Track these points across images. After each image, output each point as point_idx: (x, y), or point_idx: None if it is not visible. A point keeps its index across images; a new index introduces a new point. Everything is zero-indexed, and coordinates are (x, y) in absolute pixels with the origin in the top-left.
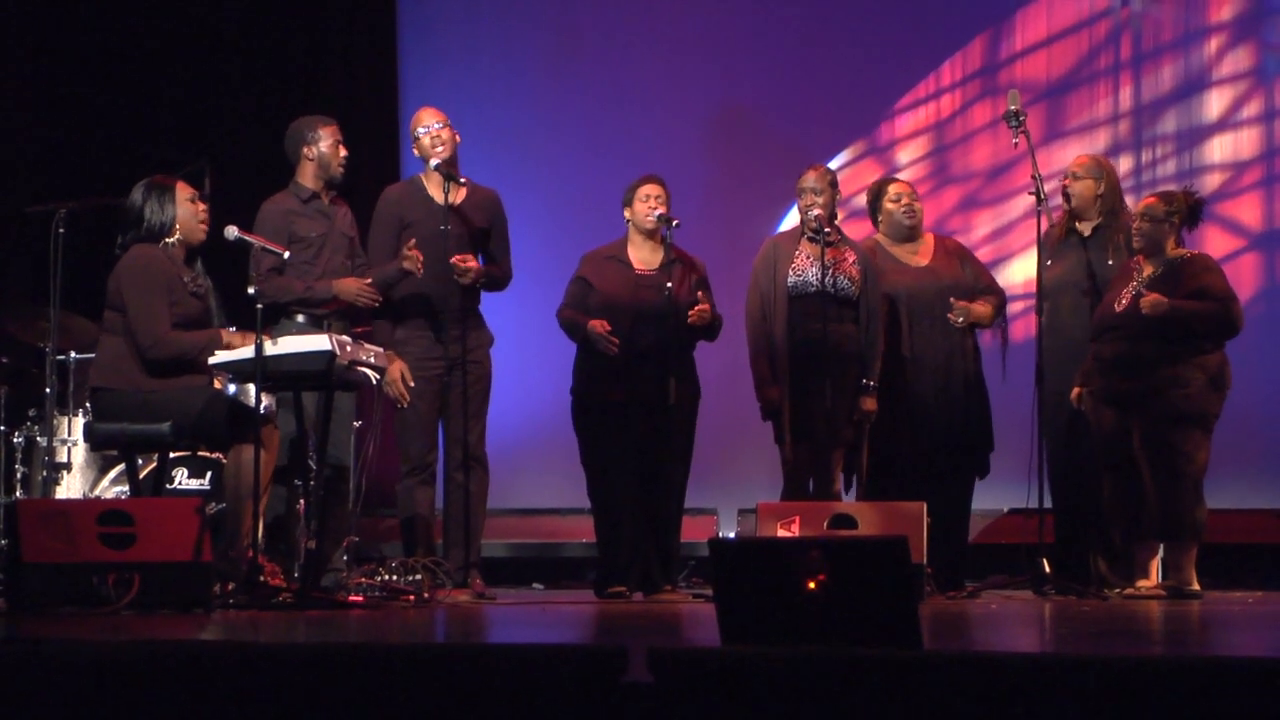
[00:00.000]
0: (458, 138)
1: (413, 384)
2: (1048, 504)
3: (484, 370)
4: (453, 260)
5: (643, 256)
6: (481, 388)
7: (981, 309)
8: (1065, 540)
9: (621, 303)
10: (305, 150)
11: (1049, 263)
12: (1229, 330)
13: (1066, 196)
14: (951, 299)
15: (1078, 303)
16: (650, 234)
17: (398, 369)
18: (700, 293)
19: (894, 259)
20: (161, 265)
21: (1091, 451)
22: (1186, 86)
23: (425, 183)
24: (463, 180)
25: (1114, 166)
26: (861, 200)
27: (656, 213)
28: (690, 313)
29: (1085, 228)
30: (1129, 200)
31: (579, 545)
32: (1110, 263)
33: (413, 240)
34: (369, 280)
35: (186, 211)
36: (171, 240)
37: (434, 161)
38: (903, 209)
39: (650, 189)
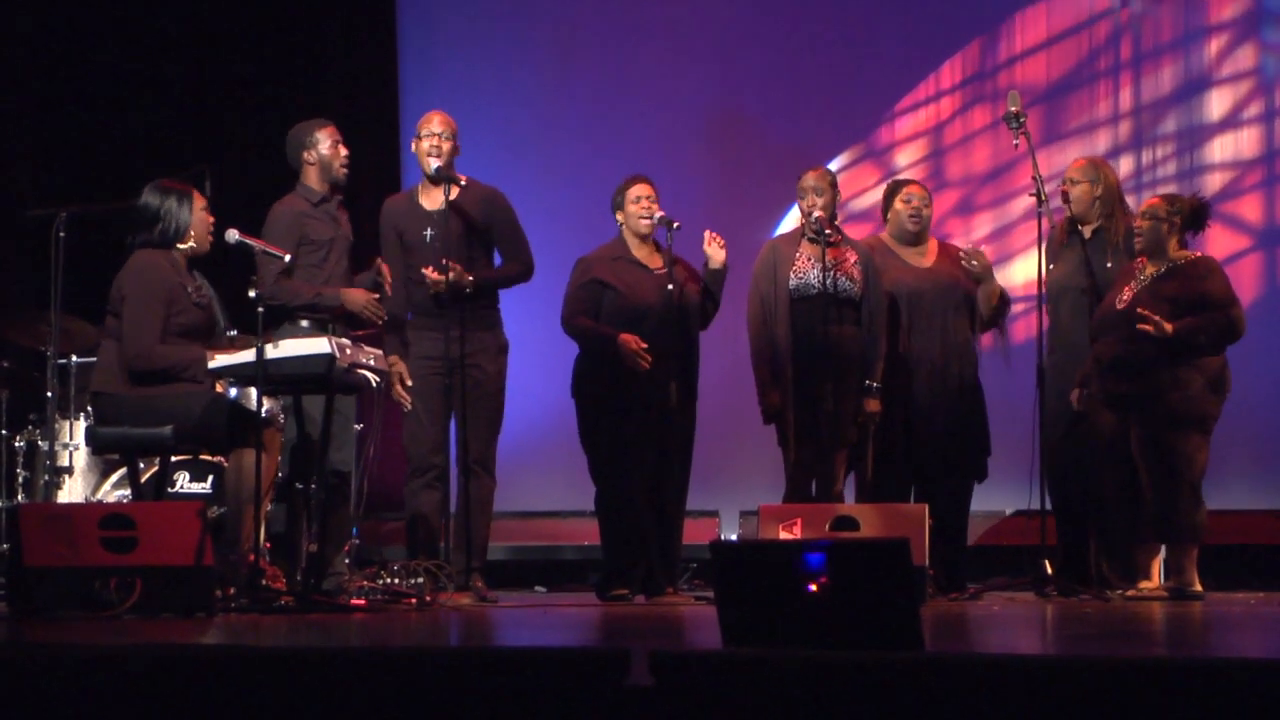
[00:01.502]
0: (459, 151)
1: (410, 384)
2: (1049, 506)
3: (487, 374)
4: (424, 270)
5: (643, 256)
6: (484, 392)
7: (994, 285)
8: (1067, 542)
9: (645, 303)
10: (305, 155)
11: (1050, 266)
12: (1232, 336)
13: (1066, 201)
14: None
15: (1078, 303)
16: (645, 237)
17: (397, 372)
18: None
19: (898, 258)
20: (164, 274)
21: (1092, 453)
22: (1187, 87)
23: (420, 191)
24: (464, 181)
25: (1112, 168)
26: (859, 203)
27: (656, 215)
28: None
29: (1086, 230)
30: (1130, 201)
31: (580, 548)
32: (1109, 265)
33: (381, 264)
34: (376, 296)
35: (200, 220)
36: (182, 247)
37: (432, 166)
38: (910, 212)
39: (639, 189)
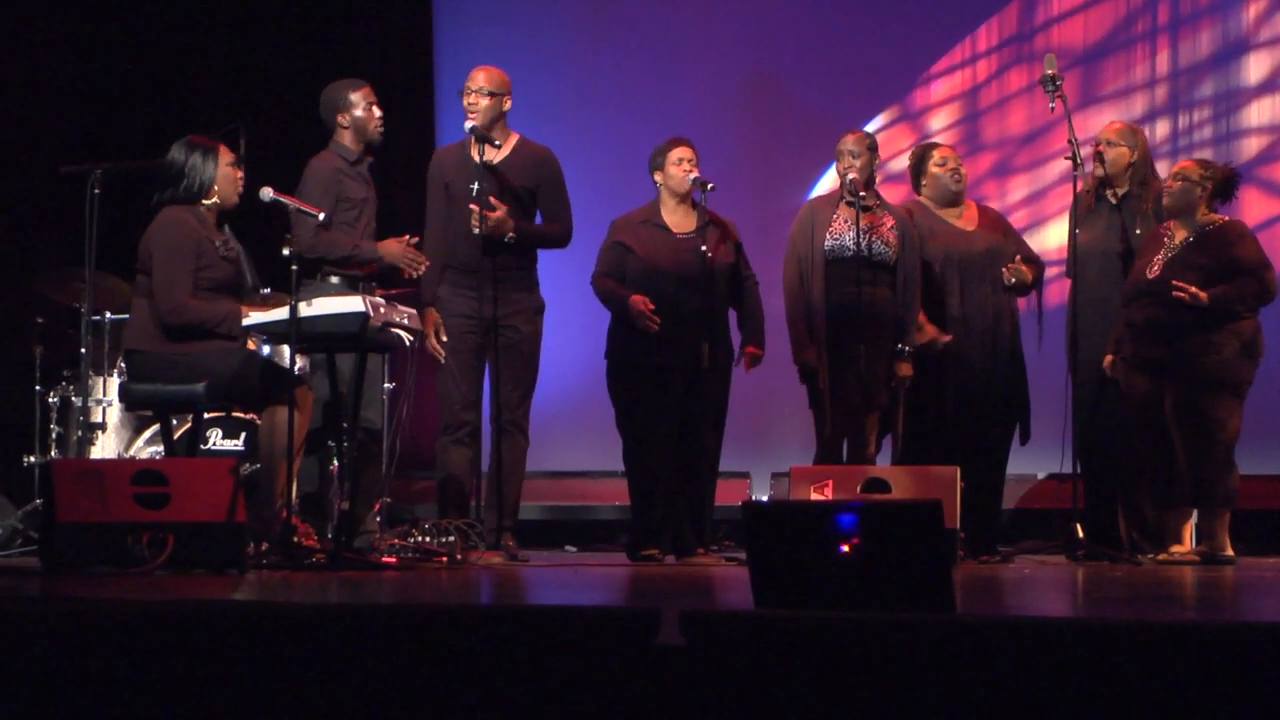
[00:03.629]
0: (506, 105)
1: (445, 339)
2: (1080, 470)
3: (523, 335)
4: (469, 205)
5: (676, 220)
6: (519, 352)
7: (1029, 271)
8: (1098, 506)
9: (663, 267)
10: (340, 117)
11: (1077, 230)
12: (1265, 299)
13: (1100, 161)
14: (1007, 267)
15: (1108, 267)
16: (683, 197)
17: (431, 325)
18: (750, 347)
19: (942, 221)
20: (191, 229)
21: (1124, 418)
22: (1225, 51)
23: (470, 143)
24: (499, 144)
25: (1146, 135)
26: (895, 165)
27: (691, 176)
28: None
29: (1115, 194)
30: (1164, 166)
31: (612, 508)
32: (1139, 231)
33: (407, 238)
34: (415, 241)
35: (226, 175)
36: (208, 203)
37: (468, 124)
38: (949, 172)
39: (682, 151)
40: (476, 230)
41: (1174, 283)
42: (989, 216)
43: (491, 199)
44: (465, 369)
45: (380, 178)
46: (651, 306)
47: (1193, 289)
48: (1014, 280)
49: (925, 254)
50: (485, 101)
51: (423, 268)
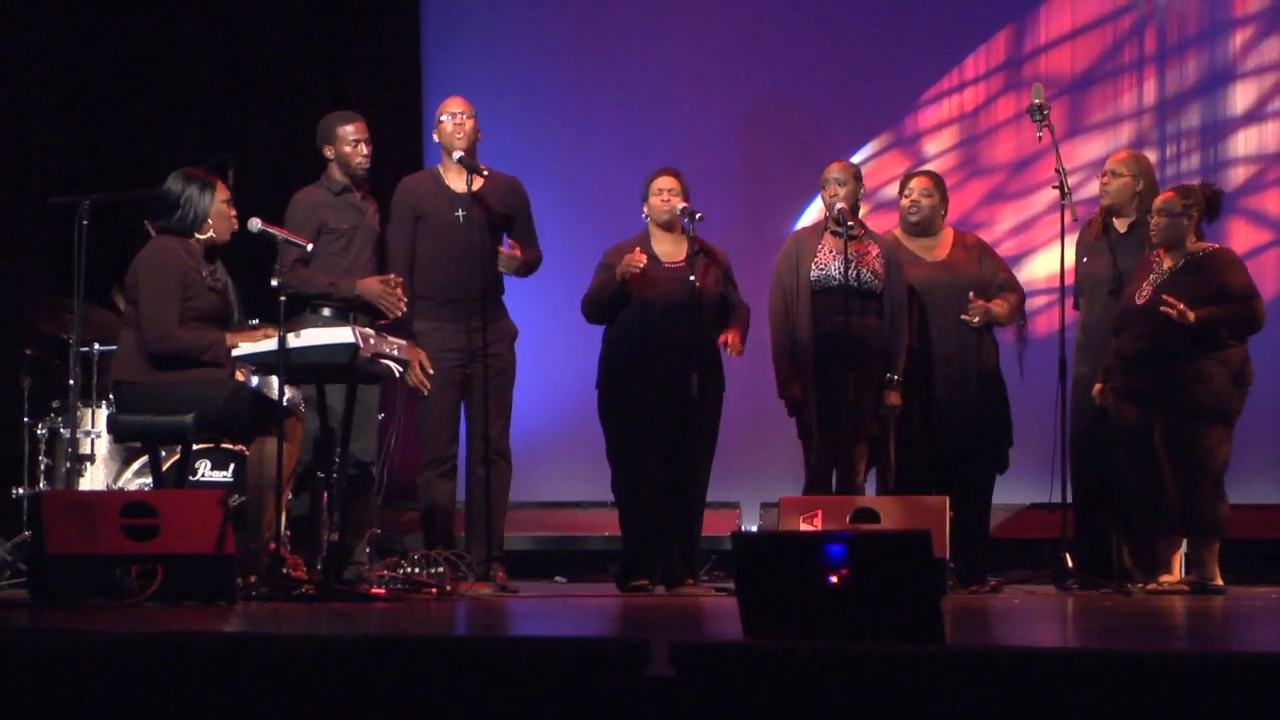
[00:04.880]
0: (479, 135)
1: (431, 372)
2: (1070, 498)
3: (505, 363)
4: (500, 249)
5: (666, 250)
6: (503, 381)
7: (999, 308)
8: (1088, 535)
9: (650, 294)
10: (326, 149)
11: (1084, 259)
12: (1252, 327)
13: (1105, 193)
14: (971, 295)
15: (1110, 301)
16: (668, 227)
17: (417, 358)
18: (731, 332)
19: (910, 253)
20: (178, 259)
21: (1114, 446)
22: (1211, 80)
23: (442, 172)
24: (485, 171)
25: (1151, 164)
26: (887, 192)
27: (679, 206)
28: (727, 346)
29: (1121, 224)
30: None
31: (601, 539)
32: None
33: (393, 278)
34: (393, 278)
35: (220, 212)
36: (201, 237)
37: (456, 153)
38: (909, 204)
39: (663, 181)
40: (502, 270)
41: (1164, 297)
42: (965, 243)
43: (510, 242)
44: (449, 403)
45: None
46: (643, 258)
47: (1181, 305)
48: (976, 320)
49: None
50: (470, 123)
51: (401, 309)
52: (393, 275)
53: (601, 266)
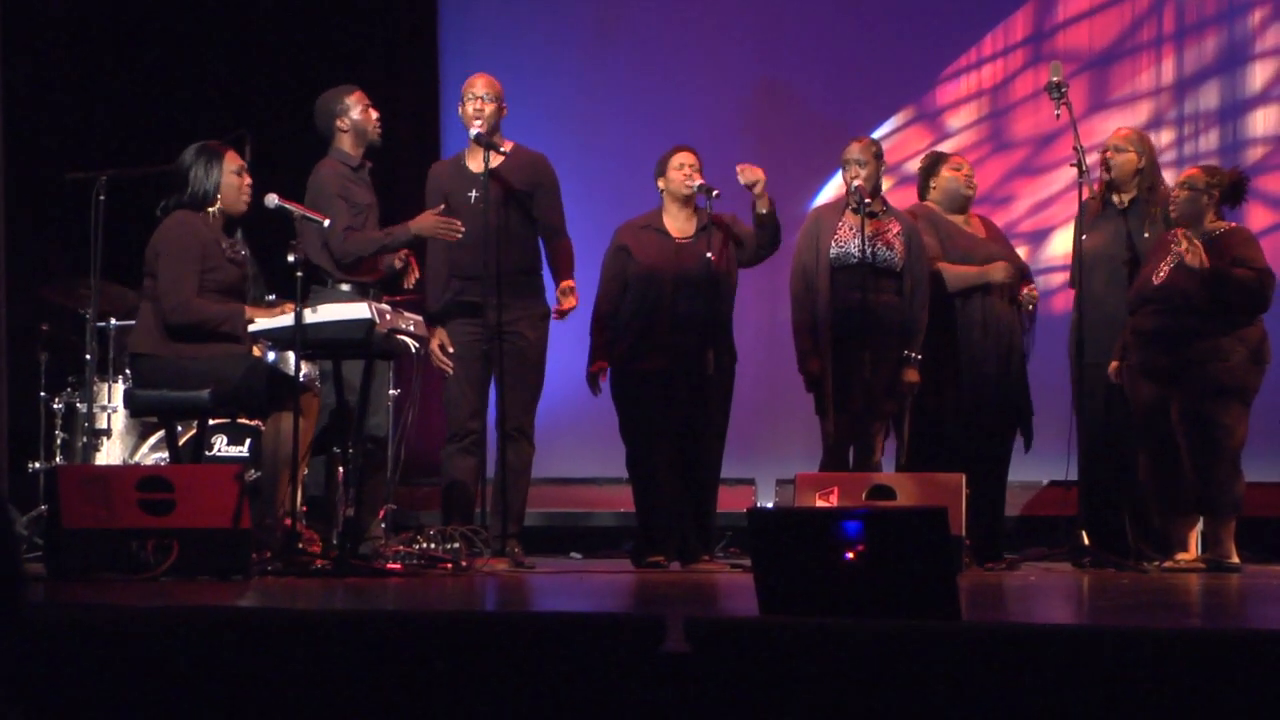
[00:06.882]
0: (504, 111)
1: (452, 350)
2: (1086, 476)
3: (527, 341)
4: (557, 309)
5: (679, 225)
6: (523, 359)
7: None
8: (1103, 513)
9: (662, 271)
10: (338, 122)
11: (1084, 236)
12: (1261, 303)
13: (1107, 168)
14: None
15: (1115, 274)
16: (685, 202)
17: (437, 339)
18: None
19: (957, 227)
20: (198, 231)
21: (1129, 425)
22: (1229, 59)
23: (466, 154)
24: (505, 150)
25: (1153, 142)
26: (907, 167)
27: (696, 183)
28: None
29: (1122, 199)
30: (1169, 174)
31: (616, 515)
32: (1146, 236)
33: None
34: (442, 207)
35: (230, 182)
36: (213, 209)
37: (473, 131)
38: (964, 178)
39: (683, 157)
40: (557, 319)
41: (1179, 231)
42: (992, 227)
43: (558, 296)
44: (473, 377)
45: (385, 187)
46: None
47: (1198, 242)
48: (1031, 308)
49: (947, 257)
50: (491, 107)
51: (459, 233)
52: (443, 205)
53: (613, 249)
